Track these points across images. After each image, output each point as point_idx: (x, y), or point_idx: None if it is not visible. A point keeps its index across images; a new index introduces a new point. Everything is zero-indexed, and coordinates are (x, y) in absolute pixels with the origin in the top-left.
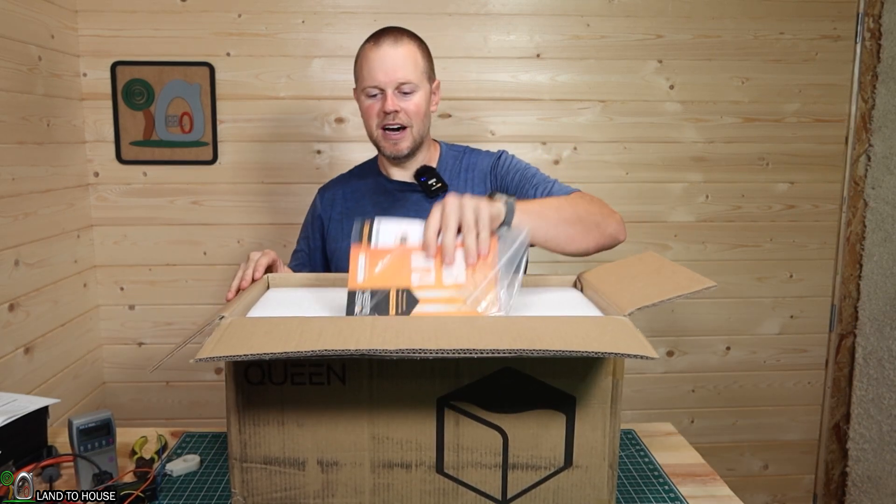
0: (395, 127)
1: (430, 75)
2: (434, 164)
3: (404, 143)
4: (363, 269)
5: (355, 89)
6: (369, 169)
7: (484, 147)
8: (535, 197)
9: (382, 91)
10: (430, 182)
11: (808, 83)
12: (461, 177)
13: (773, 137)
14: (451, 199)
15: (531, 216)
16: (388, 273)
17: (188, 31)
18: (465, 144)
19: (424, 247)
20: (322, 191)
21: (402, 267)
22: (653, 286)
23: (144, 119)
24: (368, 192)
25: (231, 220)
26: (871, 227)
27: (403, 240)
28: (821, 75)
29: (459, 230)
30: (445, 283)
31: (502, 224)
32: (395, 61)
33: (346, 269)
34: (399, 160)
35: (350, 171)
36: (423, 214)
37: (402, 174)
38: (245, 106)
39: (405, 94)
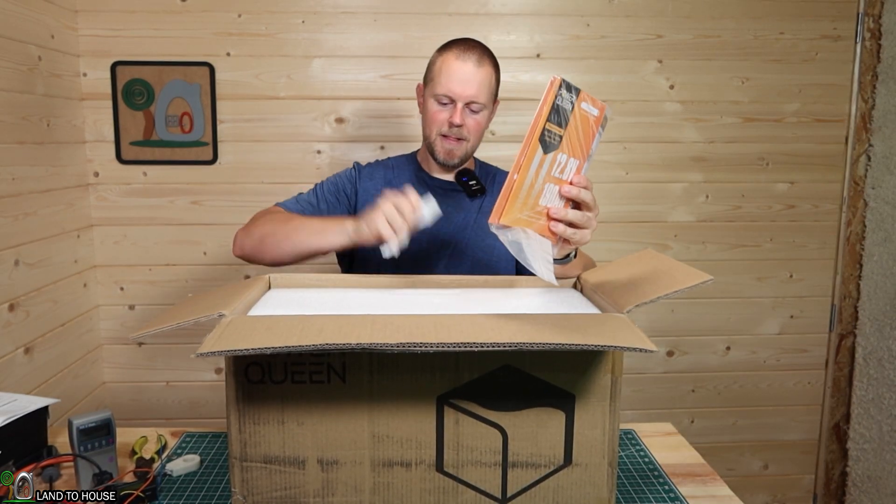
0: (454, 137)
1: (496, 96)
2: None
3: (458, 152)
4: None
5: (422, 86)
6: (408, 161)
7: (485, 146)
8: None
9: (453, 102)
10: (470, 183)
11: (808, 83)
12: (496, 189)
13: (773, 137)
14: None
15: (581, 257)
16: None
17: (188, 31)
18: (486, 162)
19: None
20: (360, 165)
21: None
22: (651, 283)
23: (144, 119)
24: (409, 181)
25: (231, 220)
26: (871, 227)
27: None
28: (821, 75)
29: (579, 207)
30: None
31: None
32: (473, 80)
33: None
34: (446, 167)
35: (388, 158)
36: (462, 213)
37: (443, 174)
38: (245, 106)
39: (472, 111)
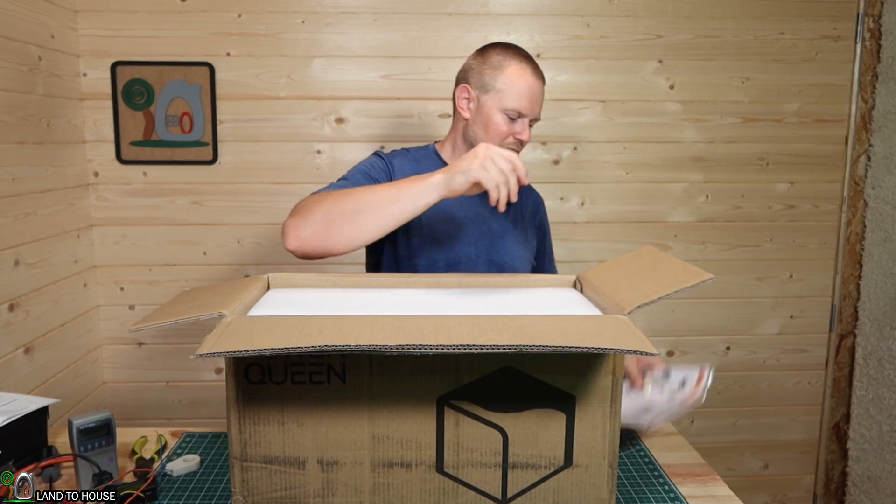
0: (515, 150)
1: None
2: None
3: None
4: None
5: (470, 89)
6: (429, 157)
7: None
8: (542, 261)
9: (521, 118)
10: None
11: (808, 83)
12: (521, 197)
13: (773, 137)
14: None
15: None
16: None
17: (188, 31)
18: None
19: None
20: (386, 155)
21: None
22: (651, 282)
23: (144, 119)
24: None
25: (231, 220)
26: (871, 227)
27: None
28: (821, 75)
29: None
30: None
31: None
32: (540, 98)
33: (414, 235)
34: None
35: (406, 151)
36: (499, 219)
37: None
38: (245, 106)
39: (530, 125)
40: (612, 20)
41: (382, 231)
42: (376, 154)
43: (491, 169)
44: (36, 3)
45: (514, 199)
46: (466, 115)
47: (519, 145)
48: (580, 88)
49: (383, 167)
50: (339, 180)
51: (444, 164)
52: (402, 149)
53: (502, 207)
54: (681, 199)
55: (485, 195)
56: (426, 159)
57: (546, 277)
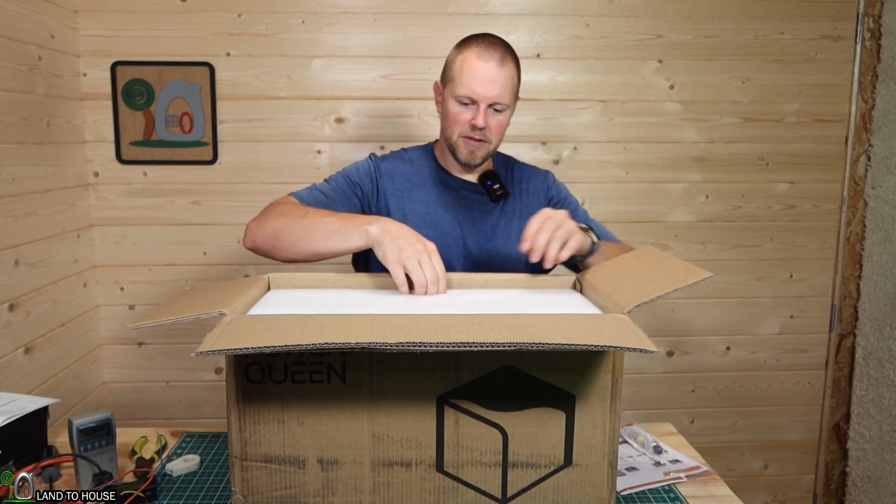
0: (477, 138)
1: (518, 94)
2: (490, 168)
3: (480, 152)
4: None
5: (440, 84)
6: (425, 156)
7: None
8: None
9: (475, 103)
10: (494, 187)
11: (808, 83)
12: (515, 187)
13: (773, 137)
14: (557, 213)
15: (603, 260)
16: None
17: (188, 31)
18: (503, 153)
19: (522, 239)
20: (378, 159)
21: None
22: (651, 282)
23: (144, 119)
24: (429, 181)
25: (231, 220)
26: (871, 227)
27: None
28: (821, 75)
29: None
30: None
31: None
32: (497, 81)
33: None
34: (468, 167)
35: (402, 152)
36: (489, 218)
37: (464, 173)
38: (245, 106)
39: (495, 111)
40: (612, 20)
41: (319, 257)
42: (369, 156)
43: (413, 270)
44: (36, 3)
45: (430, 293)
46: (439, 109)
47: (478, 133)
48: (580, 88)
49: (368, 171)
50: (323, 181)
51: (436, 162)
52: (402, 149)
53: (403, 291)
54: (681, 199)
55: (479, 194)
56: (421, 159)
57: (546, 278)
